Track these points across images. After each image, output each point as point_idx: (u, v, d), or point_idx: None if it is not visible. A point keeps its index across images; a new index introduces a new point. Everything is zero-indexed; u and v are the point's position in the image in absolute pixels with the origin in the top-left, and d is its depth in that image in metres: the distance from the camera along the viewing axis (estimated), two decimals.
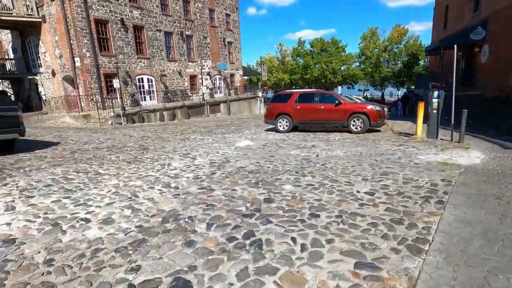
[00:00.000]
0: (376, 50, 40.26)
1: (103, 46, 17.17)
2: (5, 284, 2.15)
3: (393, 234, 2.75)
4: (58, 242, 2.79)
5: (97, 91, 16.70)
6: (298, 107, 10.87)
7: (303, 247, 2.55)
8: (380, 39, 40.66)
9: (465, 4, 16.74)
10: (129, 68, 18.61)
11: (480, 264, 2.22)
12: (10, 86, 21.59)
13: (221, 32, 27.11)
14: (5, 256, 2.53)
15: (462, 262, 2.24)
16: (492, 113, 10.63)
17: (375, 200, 3.67)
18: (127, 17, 18.25)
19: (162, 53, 20.98)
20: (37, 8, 16.97)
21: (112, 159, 6.85)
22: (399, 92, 42.85)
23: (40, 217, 3.41)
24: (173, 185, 4.58)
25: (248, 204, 3.64)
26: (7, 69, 20.46)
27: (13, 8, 17.23)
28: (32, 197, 4.14)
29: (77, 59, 15.93)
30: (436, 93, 7.84)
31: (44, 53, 17.94)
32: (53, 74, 17.78)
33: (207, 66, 25.65)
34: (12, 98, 21.35)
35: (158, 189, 4.36)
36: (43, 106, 19.29)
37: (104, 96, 16.99)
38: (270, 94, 32.26)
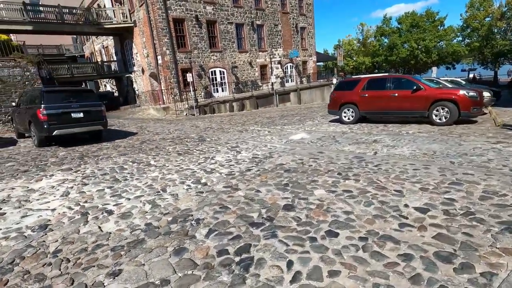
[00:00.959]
0: (487, 19, 32.36)
1: (180, 43, 18.69)
2: (13, 270, 2.39)
3: (429, 277, 1.98)
4: (76, 233, 3.01)
5: (175, 85, 18.40)
6: (366, 95, 9.56)
7: (295, 278, 2.07)
8: (494, 4, 32.43)
9: None
10: (203, 62, 19.82)
11: None
12: (114, 83, 25.89)
13: (293, 18, 26.17)
14: (31, 241, 2.87)
15: None
16: None
17: (425, 220, 2.79)
18: (201, 13, 19.31)
19: (234, 45, 21.58)
20: (130, 14, 19.56)
21: (169, 150, 7.33)
22: None
23: (79, 205, 3.80)
24: (203, 180, 4.53)
25: (264, 210, 3.26)
26: (112, 70, 24.51)
27: (114, 17, 20.31)
28: (86, 184, 4.70)
29: (159, 57, 17.78)
30: None
31: (136, 53, 20.68)
32: (143, 71, 20.38)
33: (278, 54, 25.26)
34: (116, 93, 25.57)
35: (187, 185, 4.37)
36: (137, 100, 22.48)
37: (181, 90, 18.61)
38: None
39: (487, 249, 2.26)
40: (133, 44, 20.57)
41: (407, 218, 2.87)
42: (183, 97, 18.52)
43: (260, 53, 23.64)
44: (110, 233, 2.97)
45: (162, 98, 18.53)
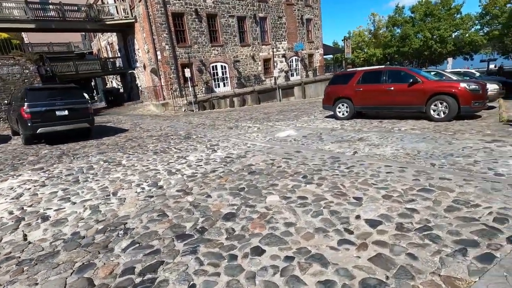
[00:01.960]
0: (509, 5, 30.31)
1: (180, 38, 18.47)
2: None
3: None
4: None
5: (175, 80, 18.27)
6: (361, 89, 9.02)
7: None
8: None
9: None
10: (203, 56, 19.56)
11: None
12: (120, 80, 26.10)
13: (298, 10, 25.41)
14: None
15: None
16: None
17: (370, 236, 2.42)
18: (201, 7, 18.98)
19: (235, 39, 21.17)
20: (130, 9, 19.49)
21: (150, 148, 7.13)
22: None
23: (22, 209, 3.64)
24: (161, 183, 4.28)
25: (201, 220, 2.97)
26: (117, 66, 24.68)
27: (117, 13, 20.30)
28: (44, 186, 4.55)
29: (158, 52, 17.66)
30: None
31: (138, 49, 20.66)
32: (144, 67, 20.36)
33: (282, 47, 24.65)
34: (121, 90, 25.78)
35: (142, 188, 4.13)
36: (140, 96, 22.56)
37: (181, 85, 18.47)
38: None
39: (427, 277, 1.88)
40: (135, 40, 20.55)
41: (352, 233, 2.51)
42: (183, 92, 18.38)
43: (263, 46, 23.11)
44: (30, 243, 2.77)
45: (162, 94, 18.47)
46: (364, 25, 51.03)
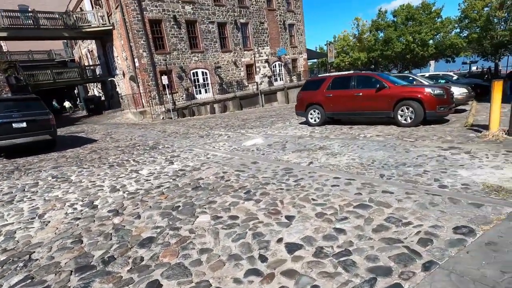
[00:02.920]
0: (486, 9, 31.02)
1: (158, 45, 18.20)
2: None
3: None
4: None
5: (154, 88, 17.95)
6: (331, 95, 8.92)
7: None
8: None
9: None
10: (183, 63, 19.32)
11: None
12: (101, 87, 25.62)
13: (280, 15, 25.46)
14: None
15: None
16: None
17: (283, 264, 2.21)
18: (180, 13, 18.79)
19: (216, 45, 21.01)
20: (108, 16, 19.17)
21: (109, 161, 6.82)
22: None
23: None
24: (97, 202, 4.01)
25: (115, 247, 2.71)
26: (97, 74, 24.22)
27: (95, 21, 19.93)
28: None
29: (136, 59, 17.35)
30: None
31: (117, 57, 20.30)
32: (123, 75, 20.00)
33: (265, 53, 24.61)
34: (102, 97, 25.24)
35: (74, 208, 3.85)
36: (121, 103, 22.13)
37: (160, 92, 18.15)
38: None
39: None
40: (114, 47, 20.19)
41: (265, 260, 2.30)
42: (162, 100, 18.07)
43: (245, 52, 23.01)
44: None
45: (141, 102, 18.12)
46: (349, 30, 51.56)
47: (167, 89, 16.48)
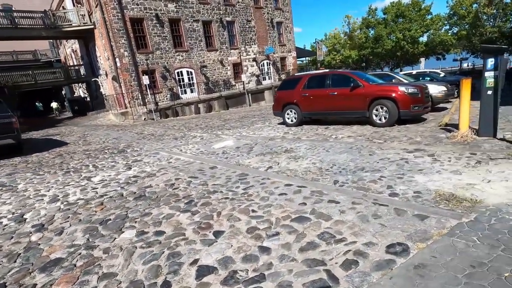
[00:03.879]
0: (475, 5, 31.01)
1: (140, 44, 17.80)
2: None
3: None
4: None
5: (136, 88, 17.56)
6: (307, 94, 8.65)
7: None
8: None
9: None
10: (167, 62, 18.93)
11: None
12: (85, 88, 25.11)
13: (268, 13, 25.14)
14: None
15: None
16: None
17: None
18: (162, 11, 18.39)
19: (201, 44, 20.65)
20: (89, 15, 18.70)
21: (70, 166, 6.49)
22: None
23: None
24: (28, 215, 3.69)
25: (14, 271, 2.41)
26: (82, 74, 23.70)
27: (76, 19, 19.43)
28: None
29: (117, 59, 16.94)
30: (491, 62, 4.70)
31: (99, 56, 19.84)
32: (106, 75, 19.55)
33: (252, 51, 24.29)
34: (88, 98, 24.72)
35: (0, 222, 3.53)
36: (105, 104, 21.67)
37: (143, 93, 17.76)
38: None
39: None
40: (96, 47, 19.72)
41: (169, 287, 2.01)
42: (146, 100, 17.68)
43: (232, 50, 22.66)
44: None
45: (124, 103, 17.71)
46: (340, 28, 51.36)
47: (148, 90, 16.09)
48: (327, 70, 8.95)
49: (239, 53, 22.94)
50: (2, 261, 2.60)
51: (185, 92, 20.14)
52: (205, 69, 21.05)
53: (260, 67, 25.20)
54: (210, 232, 2.76)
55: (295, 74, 10.26)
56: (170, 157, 6.45)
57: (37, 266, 2.47)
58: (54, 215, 3.59)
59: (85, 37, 20.58)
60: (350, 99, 7.72)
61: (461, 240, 2.22)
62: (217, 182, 4.26)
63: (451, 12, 32.49)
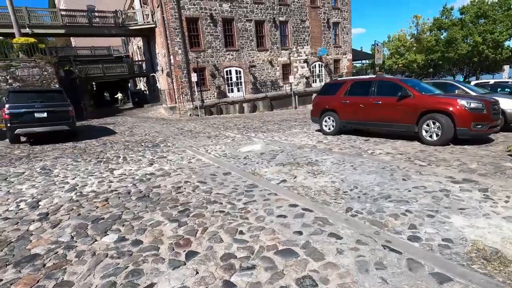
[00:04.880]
0: None
1: (193, 43, 18.56)
2: None
3: None
4: None
5: (186, 84, 18.37)
6: (347, 101, 7.90)
7: None
8: None
9: None
10: (217, 61, 19.42)
11: None
12: (145, 82, 27.28)
13: (324, 13, 24.12)
14: None
15: None
16: None
17: None
18: (217, 11, 18.89)
19: (252, 44, 20.71)
20: (152, 15, 20.16)
21: (105, 156, 6.93)
22: None
23: None
24: (42, 202, 3.91)
25: None
26: (144, 69, 25.81)
27: (141, 19, 21.18)
28: None
29: (171, 56, 17.93)
30: None
31: (158, 53, 21.29)
32: (162, 71, 20.89)
33: (304, 52, 23.56)
34: (146, 91, 26.81)
35: (17, 206, 3.79)
36: (160, 98, 23.26)
37: (192, 89, 18.51)
38: None
39: None
40: (156, 44, 21.21)
41: None
42: (194, 96, 18.41)
43: (282, 51, 22.28)
44: None
45: (175, 98, 18.70)
46: (406, 29, 46.89)
47: (195, 86, 16.68)
48: (373, 76, 8.03)
49: (290, 53, 22.45)
50: None
51: (232, 91, 20.44)
52: (253, 68, 21.09)
53: (311, 69, 24.34)
54: (184, 251, 2.51)
55: (339, 79, 9.48)
56: (193, 156, 6.43)
57: (15, 259, 2.51)
58: (62, 206, 3.74)
59: (148, 35, 22.29)
60: (396, 110, 6.79)
61: None
62: (222, 191, 4.01)
63: None
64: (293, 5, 22.25)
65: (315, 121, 9.22)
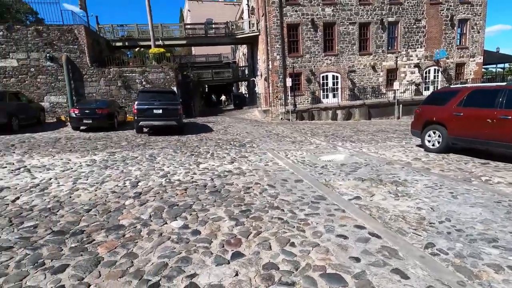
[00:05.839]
0: None
1: (292, 48, 18.87)
2: None
3: None
4: None
5: (281, 89, 18.87)
6: (461, 113, 6.50)
7: None
8: None
9: None
10: (314, 66, 19.18)
11: None
12: (246, 86, 29.44)
13: (447, 9, 20.53)
14: None
15: None
16: None
17: None
18: (318, 16, 18.66)
19: (354, 47, 19.52)
20: (257, 24, 21.62)
21: (198, 150, 7.83)
22: None
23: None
24: (141, 183, 4.72)
25: (89, 225, 3.14)
26: (245, 74, 27.97)
27: (247, 28, 23.06)
28: (88, 166, 5.94)
29: (270, 62, 18.78)
30: None
31: (259, 59, 22.66)
32: (261, 76, 22.13)
33: (416, 56, 20.65)
34: (246, 95, 28.88)
35: (123, 183, 4.69)
36: (257, 101, 24.71)
37: (286, 94, 18.88)
38: None
39: None
40: (258, 51, 22.63)
41: None
42: (288, 101, 18.75)
43: (388, 55, 20.09)
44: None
45: (269, 101, 19.50)
46: None
47: (290, 91, 16.93)
48: (503, 84, 6.28)
49: (397, 57, 20.10)
50: (96, 213, 3.45)
51: (327, 97, 19.81)
52: (353, 74, 19.86)
53: (424, 74, 21.14)
54: (232, 251, 2.57)
55: (452, 86, 7.86)
56: (271, 159, 6.54)
57: (108, 226, 3.10)
58: (152, 189, 4.42)
59: (252, 43, 24.00)
60: None
61: None
62: (287, 198, 3.92)
63: None
64: (407, 3, 19.81)
65: (415, 135, 7.95)
